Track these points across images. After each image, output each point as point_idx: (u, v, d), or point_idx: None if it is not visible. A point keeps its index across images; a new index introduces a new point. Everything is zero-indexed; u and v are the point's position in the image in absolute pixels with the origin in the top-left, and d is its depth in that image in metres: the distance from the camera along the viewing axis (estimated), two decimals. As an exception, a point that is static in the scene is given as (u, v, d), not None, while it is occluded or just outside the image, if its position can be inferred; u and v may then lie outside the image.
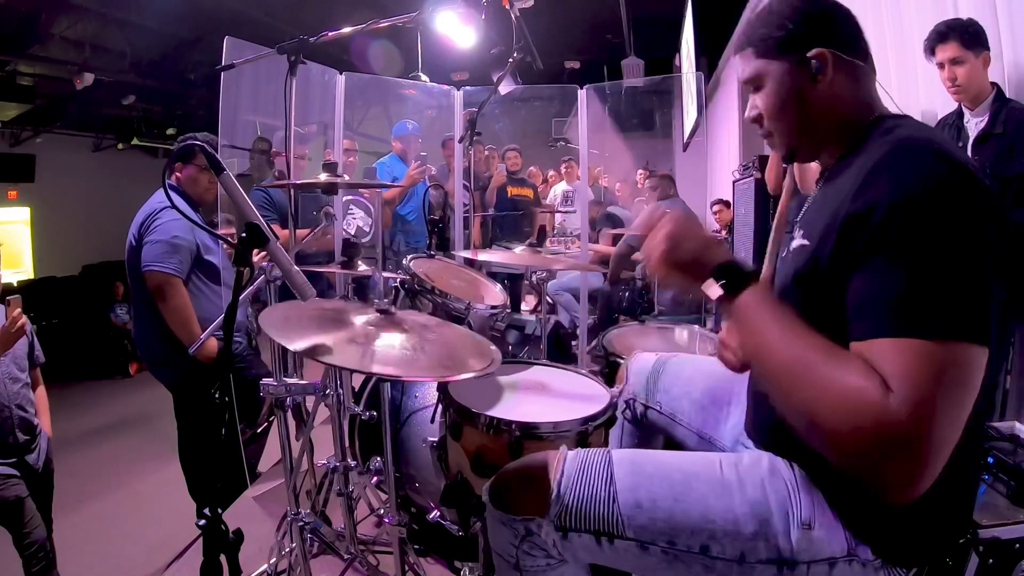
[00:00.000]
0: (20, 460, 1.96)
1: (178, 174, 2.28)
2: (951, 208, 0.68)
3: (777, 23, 0.88)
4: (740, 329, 0.80)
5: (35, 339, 2.18)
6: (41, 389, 2.19)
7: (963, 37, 1.76)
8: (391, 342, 1.12)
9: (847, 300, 0.72)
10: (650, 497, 0.85)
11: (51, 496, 2.12)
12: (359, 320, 1.19)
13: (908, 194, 0.69)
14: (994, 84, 1.82)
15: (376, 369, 1.10)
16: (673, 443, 1.26)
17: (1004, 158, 1.76)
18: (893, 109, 0.92)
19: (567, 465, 0.91)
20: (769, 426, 0.92)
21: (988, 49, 1.78)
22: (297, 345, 1.02)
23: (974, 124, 1.85)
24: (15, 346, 2.05)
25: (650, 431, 1.31)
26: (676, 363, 1.30)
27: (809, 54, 0.85)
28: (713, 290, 0.81)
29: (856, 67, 0.88)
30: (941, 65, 1.82)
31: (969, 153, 1.84)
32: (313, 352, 1.01)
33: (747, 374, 1.04)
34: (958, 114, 1.90)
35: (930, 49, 1.84)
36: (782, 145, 0.94)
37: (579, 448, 0.97)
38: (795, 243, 0.87)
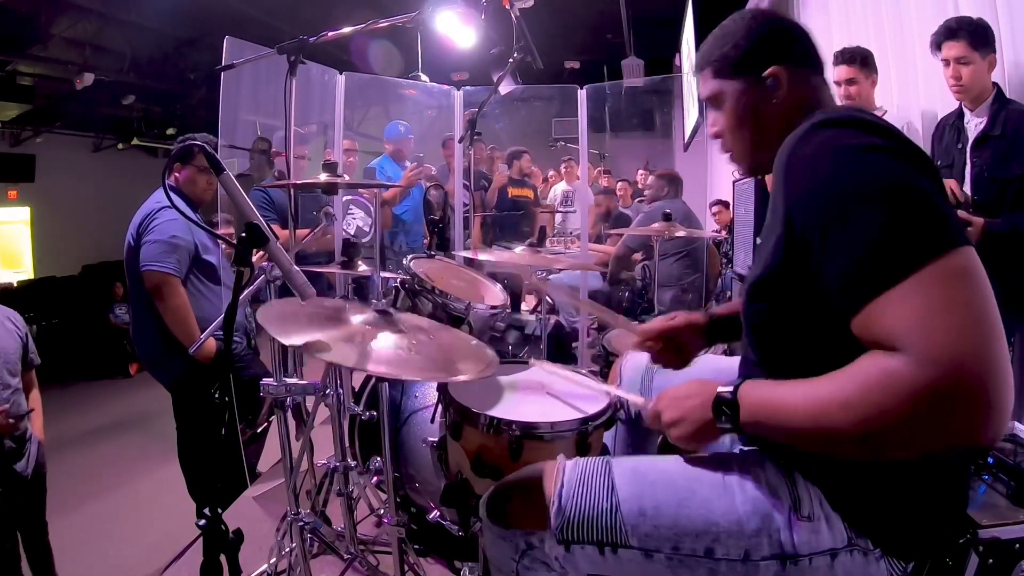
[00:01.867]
0: (6, 468, 1.92)
1: (176, 175, 2.28)
2: (866, 168, 0.69)
3: (732, 44, 0.91)
4: (764, 431, 0.78)
5: (30, 340, 2.13)
6: (35, 392, 2.15)
7: (972, 37, 1.74)
8: (387, 342, 1.12)
9: (827, 287, 0.72)
10: (654, 504, 0.84)
11: (44, 501, 2.09)
12: (356, 320, 1.19)
13: (825, 173, 0.71)
14: (995, 84, 1.82)
15: (371, 368, 1.10)
16: (669, 442, 1.26)
17: (1003, 159, 1.75)
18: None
19: (567, 476, 0.90)
20: None
21: (995, 52, 1.77)
22: (293, 340, 1.02)
23: (974, 125, 1.84)
24: (7, 351, 1.99)
25: (645, 430, 1.30)
26: None
27: (764, 73, 0.88)
28: (726, 429, 0.82)
29: (810, 78, 0.91)
30: (946, 62, 1.80)
31: (968, 154, 1.84)
32: (310, 348, 1.01)
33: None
34: (958, 114, 1.90)
35: (937, 44, 1.81)
36: (743, 160, 0.96)
37: (577, 457, 0.96)
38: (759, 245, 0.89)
